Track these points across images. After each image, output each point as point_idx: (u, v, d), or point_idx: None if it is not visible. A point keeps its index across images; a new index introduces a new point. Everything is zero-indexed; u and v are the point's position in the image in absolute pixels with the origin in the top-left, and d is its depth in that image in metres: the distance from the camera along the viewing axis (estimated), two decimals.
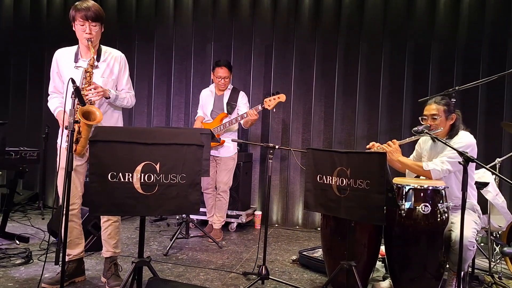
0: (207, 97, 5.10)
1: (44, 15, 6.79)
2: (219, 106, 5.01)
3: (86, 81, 3.13)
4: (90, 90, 3.08)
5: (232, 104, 4.98)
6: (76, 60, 3.26)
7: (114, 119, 3.43)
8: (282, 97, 4.74)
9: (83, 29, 3.13)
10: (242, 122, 4.89)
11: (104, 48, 3.35)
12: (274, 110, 4.92)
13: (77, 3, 3.18)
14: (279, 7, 6.02)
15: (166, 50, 6.42)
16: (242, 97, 5.07)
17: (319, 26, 5.91)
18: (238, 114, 4.91)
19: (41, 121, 6.52)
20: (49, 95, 3.44)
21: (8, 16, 6.89)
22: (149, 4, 6.47)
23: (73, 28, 3.21)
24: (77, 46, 3.32)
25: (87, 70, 3.15)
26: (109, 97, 3.24)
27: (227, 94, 5.03)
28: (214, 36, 6.25)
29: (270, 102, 4.69)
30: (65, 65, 3.28)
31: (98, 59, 3.26)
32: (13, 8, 6.88)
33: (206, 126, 4.92)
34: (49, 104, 3.42)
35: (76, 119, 2.73)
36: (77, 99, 2.73)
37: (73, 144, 3.07)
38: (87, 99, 3.06)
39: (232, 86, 5.11)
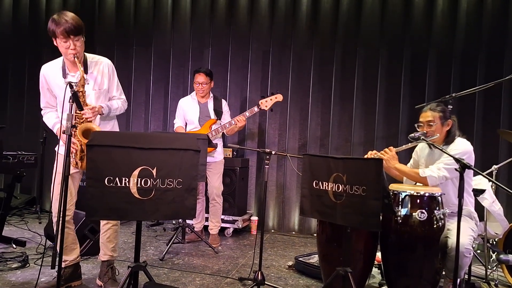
0: (189, 105, 5.08)
1: (43, 20, 6.79)
2: (205, 113, 5.02)
3: (81, 101, 3.03)
4: (85, 111, 3.04)
5: (219, 110, 5.02)
6: (64, 76, 3.20)
7: (110, 126, 3.45)
8: (279, 97, 4.78)
9: (67, 46, 3.02)
10: (225, 130, 4.93)
11: (89, 58, 3.28)
12: (272, 110, 4.94)
13: (55, 16, 3.01)
14: (276, 13, 6.05)
15: (163, 55, 6.44)
16: (225, 105, 5.15)
17: (316, 32, 5.93)
18: (222, 122, 4.95)
19: (39, 126, 6.49)
20: (41, 109, 3.41)
21: (7, 21, 6.90)
22: (147, 9, 6.49)
23: (55, 43, 3.08)
24: (62, 59, 3.23)
25: (79, 90, 3.02)
26: (103, 113, 3.24)
27: (211, 102, 5.06)
28: (211, 42, 6.27)
29: (267, 103, 4.75)
30: (54, 81, 3.23)
31: (86, 71, 3.19)
32: (12, 12, 6.90)
33: None
34: (45, 120, 3.37)
35: (73, 124, 2.73)
36: (75, 103, 2.74)
37: (79, 161, 3.10)
38: (84, 119, 3.06)
39: (213, 95, 5.13)
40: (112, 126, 3.48)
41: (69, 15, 3.01)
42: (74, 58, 3.03)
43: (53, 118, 3.33)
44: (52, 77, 3.24)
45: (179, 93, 6.29)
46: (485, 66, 5.43)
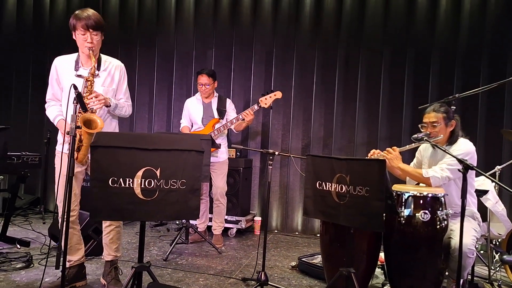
0: (194, 105, 5.11)
1: (47, 21, 6.83)
2: (209, 113, 5.03)
3: (87, 90, 3.14)
4: (92, 98, 3.10)
5: (222, 110, 5.03)
6: (76, 69, 3.27)
7: (112, 127, 3.46)
8: (278, 94, 4.79)
9: (85, 39, 3.15)
10: (233, 126, 4.95)
11: (104, 57, 3.38)
12: (272, 108, 4.95)
13: (77, 11, 3.18)
14: (279, 14, 6.05)
15: (167, 56, 6.45)
16: (230, 104, 5.17)
17: (320, 33, 5.93)
18: (227, 119, 4.96)
19: (43, 126, 6.54)
20: (46, 102, 3.44)
21: (11, 22, 6.93)
22: (150, 10, 6.50)
23: (73, 37, 3.22)
24: (77, 54, 3.34)
25: (88, 78, 3.15)
26: (110, 105, 3.26)
27: (215, 101, 5.07)
28: (215, 43, 6.28)
29: (266, 100, 4.76)
30: (64, 72, 3.29)
31: (98, 68, 3.29)
32: (16, 13, 6.92)
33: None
34: (47, 112, 3.40)
35: (77, 125, 2.74)
36: (79, 105, 2.76)
37: (75, 152, 3.10)
38: (89, 107, 3.08)
39: (217, 94, 5.15)
40: (114, 128, 3.49)
41: (91, 11, 3.19)
42: (90, 51, 3.14)
43: (55, 111, 3.37)
44: (64, 68, 3.31)
45: (182, 93, 6.31)
46: (488, 66, 5.43)
